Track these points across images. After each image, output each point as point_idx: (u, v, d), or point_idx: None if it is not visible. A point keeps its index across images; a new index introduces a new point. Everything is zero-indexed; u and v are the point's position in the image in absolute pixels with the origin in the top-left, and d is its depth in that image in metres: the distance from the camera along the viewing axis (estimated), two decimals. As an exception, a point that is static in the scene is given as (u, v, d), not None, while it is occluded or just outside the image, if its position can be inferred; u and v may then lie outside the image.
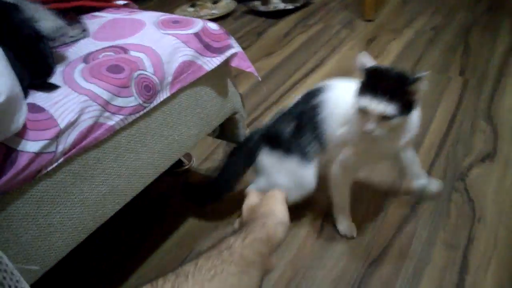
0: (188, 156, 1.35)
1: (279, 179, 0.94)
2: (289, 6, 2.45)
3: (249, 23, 2.43)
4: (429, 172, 1.15)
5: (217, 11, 2.57)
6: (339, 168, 0.92)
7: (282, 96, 1.61)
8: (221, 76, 0.92)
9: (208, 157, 1.36)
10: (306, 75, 1.74)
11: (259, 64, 1.88)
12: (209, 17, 2.51)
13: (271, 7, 2.47)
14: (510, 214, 1.00)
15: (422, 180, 1.00)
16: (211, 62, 0.86)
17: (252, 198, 0.61)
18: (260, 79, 0.99)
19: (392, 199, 1.09)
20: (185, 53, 0.80)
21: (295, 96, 0.98)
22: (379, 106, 0.74)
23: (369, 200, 1.10)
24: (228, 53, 0.89)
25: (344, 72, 1.71)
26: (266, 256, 0.50)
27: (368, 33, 2.02)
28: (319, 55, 1.88)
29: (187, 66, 0.81)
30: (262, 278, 0.50)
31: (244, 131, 1.05)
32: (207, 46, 0.85)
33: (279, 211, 0.55)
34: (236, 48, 0.92)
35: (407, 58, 1.73)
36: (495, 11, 2.04)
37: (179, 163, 1.32)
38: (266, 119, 1.31)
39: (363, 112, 0.77)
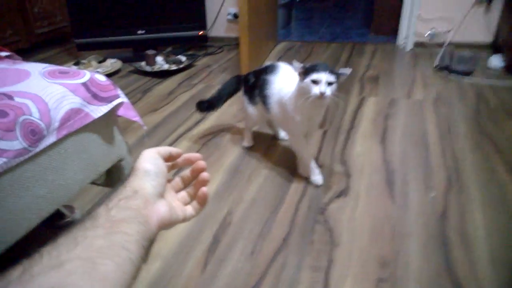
0: (71, 208, 1.34)
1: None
2: (173, 67, 2.62)
3: (135, 81, 2.53)
4: (297, 209, 1.33)
5: (101, 69, 2.62)
6: (292, 139, 1.48)
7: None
8: (107, 124, 1.00)
9: (91, 209, 1.36)
10: (189, 129, 1.87)
11: (144, 119, 1.97)
12: (93, 75, 2.54)
13: (155, 67, 2.62)
14: (360, 238, 1.20)
15: (316, 171, 1.47)
16: (98, 110, 0.93)
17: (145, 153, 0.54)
18: (145, 127, 1.09)
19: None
20: (72, 101, 0.87)
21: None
22: (326, 75, 1.18)
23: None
24: (115, 102, 0.98)
25: (223, 127, 1.89)
26: (141, 207, 0.46)
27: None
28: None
29: (74, 113, 0.87)
30: (151, 230, 0.47)
31: (129, 177, 1.11)
32: (94, 95, 0.92)
33: (141, 165, 0.51)
34: (122, 98, 1.01)
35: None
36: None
37: (61, 215, 1.30)
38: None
39: (315, 82, 1.19)
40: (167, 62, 2.67)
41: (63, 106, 0.84)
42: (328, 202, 1.36)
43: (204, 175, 0.59)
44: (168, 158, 0.57)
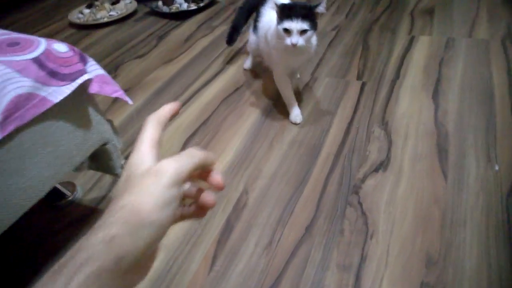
0: (72, 186, 1.20)
1: None
2: (193, 7, 2.33)
3: (151, 25, 2.28)
4: (325, 186, 1.12)
5: (115, 12, 2.39)
6: (276, 75, 1.35)
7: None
8: (77, 106, 0.79)
9: (94, 186, 1.22)
10: (207, 82, 1.64)
11: (156, 73, 1.76)
12: (106, 19, 2.32)
13: (173, 8, 2.34)
14: (402, 226, 0.98)
15: (296, 109, 1.38)
16: (59, 92, 0.72)
17: (149, 134, 0.38)
18: (131, 102, 0.88)
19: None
20: (19, 85, 0.66)
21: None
22: (298, 24, 1.10)
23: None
24: (83, 78, 0.77)
25: (245, 80, 1.64)
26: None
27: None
28: (220, 60, 1.80)
29: (24, 99, 0.67)
30: None
31: (119, 162, 0.93)
32: (51, 73, 0.71)
33: (150, 210, 0.31)
34: (94, 72, 0.80)
35: (308, 63, 1.70)
36: (394, 10, 2.09)
37: (61, 195, 1.17)
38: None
39: (287, 31, 1.12)
40: (186, 1, 2.38)
41: (6, 93, 0.64)
42: (363, 178, 1.13)
43: (209, 199, 0.39)
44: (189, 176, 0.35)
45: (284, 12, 1.12)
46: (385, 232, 0.98)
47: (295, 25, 1.10)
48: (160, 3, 2.40)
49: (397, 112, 1.36)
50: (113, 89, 0.83)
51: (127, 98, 0.87)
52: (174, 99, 1.56)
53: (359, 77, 1.56)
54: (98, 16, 2.36)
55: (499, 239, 0.93)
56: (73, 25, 2.38)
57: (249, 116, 1.42)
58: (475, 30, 1.80)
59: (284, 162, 1.21)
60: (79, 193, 1.18)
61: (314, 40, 1.23)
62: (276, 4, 1.14)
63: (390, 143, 1.24)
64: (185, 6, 2.34)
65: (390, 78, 1.53)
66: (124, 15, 2.37)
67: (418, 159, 1.17)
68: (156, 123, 0.39)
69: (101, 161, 0.92)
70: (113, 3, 2.48)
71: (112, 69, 1.85)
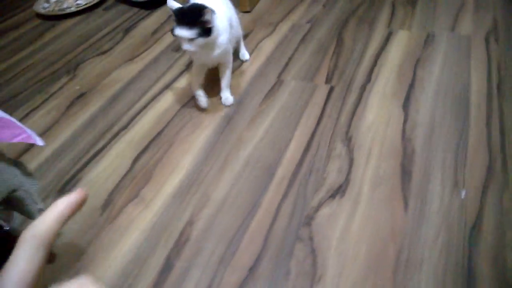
0: (8, 215, 1.12)
1: None
2: (162, -6, 2.18)
3: (119, 16, 2.15)
4: (275, 217, 1.03)
5: (82, 1, 2.24)
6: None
7: (127, 124, 1.39)
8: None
9: (32, 211, 1.14)
10: (165, 87, 1.53)
11: (116, 74, 1.65)
12: (74, 9, 2.19)
13: (142, -4, 2.19)
14: (350, 267, 0.90)
15: (225, 94, 1.40)
16: None
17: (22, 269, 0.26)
18: (42, 144, 0.78)
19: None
20: None
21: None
22: (184, 32, 1.11)
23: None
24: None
25: (207, 82, 1.53)
26: None
27: (244, 27, 1.83)
28: (185, 59, 1.68)
29: None
30: None
31: (36, 206, 0.84)
32: None
33: None
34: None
35: (277, 60, 1.58)
36: (373, 1, 1.93)
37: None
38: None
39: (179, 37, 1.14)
40: (156, -14, 2.22)
41: None
42: (317, 206, 1.04)
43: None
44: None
45: (175, 19, 1.14)
46: (333, 276, 0.90)
47: (183, 33, 1.11)
48: (129, -11, 2.25)
49: (363, 124, 1.25)
50: (12, 134, 0.73)
51: (35, 139, 0.78)
52: (128, 107, 1.45)
53: (327, 80, 1.44)
54: (65, 5, 2.22)
55: (457, 286, 0.85)
56: (40, 15, 2.24)
57: (207, 127, 1.32)
58: (458, 22, 1.66)
59: (235, 186, 1.12)
60: (16, 222, 1.11)
61: (221, 39, 1.23)
62: (170, 9, 1.16)
63: (351, 161, 1.14)
64: (154, -7, 2.19)
65: (361, 82, 1.41)
66: (92, 3, 2.22)
67: (379, 183, 1.07)
68: (36, 247, 0.26)
69: (16, 206, 0.83)
70: (80, -11, 2.33)
71: (72, 69, 1.74)
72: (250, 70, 1.55)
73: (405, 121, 1.23)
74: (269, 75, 1.50)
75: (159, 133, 1.33)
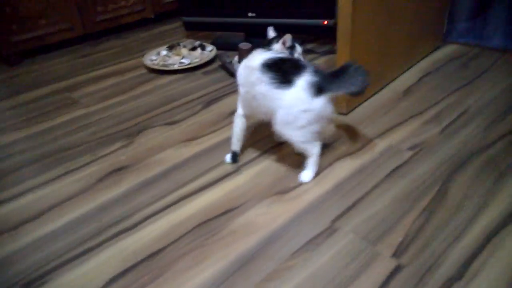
0: None
1: None
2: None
3: (213, 83, 2.01)
4: None
5: (186, 60, 2.18)
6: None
7: (134, 226, 1.15)
8: None
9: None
10: (199, 190, 1.26)
11: (169, 153, 1.49)
12: (176, 66, 2.14)
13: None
14: None
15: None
16: None
17: None
18: None
19: None
20: None
21: None
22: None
23: None
24: None
25: (244, 201, 1.21)
26: None
27: (328, 132, 1.48)
28: (243, 157, 1.39)
29: None
30: None
31: None
32: None
33: None
34: None
35: (344, 194, 1.18)
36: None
37: None
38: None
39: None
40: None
41: None
42: None
43: None
44: None
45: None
46: None
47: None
48: (236, 58, 2.10)
49: None
50: None
51: None
52: (149, 202, 1.22)
53: (397, 252, 0.98)
54: (170, 61, 2.18)
55: None
56: (146, 66, 2.25)
57: (213, 265, 1.00)
58: None
59: None
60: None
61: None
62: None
63: None
64: (256, 67, 2.00)
65: (447, 273, 0.92)
66: (194, 65, 2.14)
67: None
68: None
69: None
70: (192, 49, 2.28)
71: (133, 134, 1.61)
72: (303, 198, 1.18)
73: None
74: (323, 215, 1.11)
75: (155, 253, 1.05)
